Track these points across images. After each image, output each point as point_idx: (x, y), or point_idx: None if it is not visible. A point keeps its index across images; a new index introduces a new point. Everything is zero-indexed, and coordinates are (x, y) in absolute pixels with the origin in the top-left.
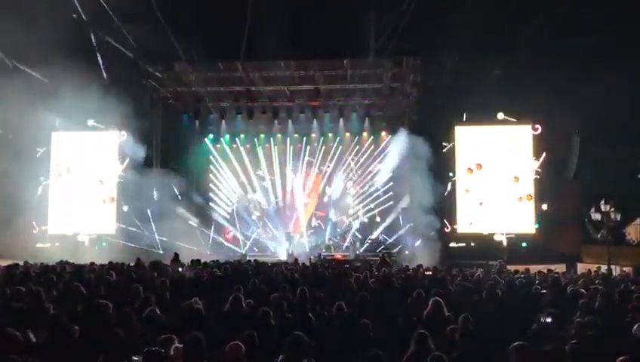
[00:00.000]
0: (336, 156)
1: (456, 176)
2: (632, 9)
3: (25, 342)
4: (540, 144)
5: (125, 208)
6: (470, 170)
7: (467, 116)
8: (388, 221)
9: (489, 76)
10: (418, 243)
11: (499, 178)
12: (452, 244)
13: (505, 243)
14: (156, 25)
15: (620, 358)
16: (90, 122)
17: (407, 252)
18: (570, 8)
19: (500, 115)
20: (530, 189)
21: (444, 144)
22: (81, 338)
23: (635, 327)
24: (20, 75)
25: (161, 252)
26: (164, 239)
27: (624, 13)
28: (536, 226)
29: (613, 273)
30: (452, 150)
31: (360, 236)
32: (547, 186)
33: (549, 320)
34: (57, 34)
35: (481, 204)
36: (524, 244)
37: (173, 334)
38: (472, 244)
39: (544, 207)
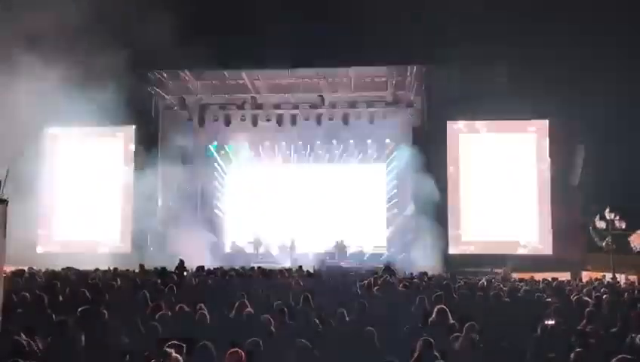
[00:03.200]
0: (341, 164)
1: (461, 183)
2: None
3: (31, 348)
4: (545, 152)
5: (130, 214)
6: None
7: (471, 123)
8: (392, 228)
9: (493, 84)
10: (422, 250)
11: (503, 186)
12: (456, 252)
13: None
14: (162, 32)
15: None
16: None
17: (411, 259)
18: (575, 15)
19: None
20: (535, 197)
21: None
22: (86, 345)
23: (631, 336)
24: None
25: (165, 258)
26: (168, 245)
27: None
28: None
29: (619, 281)
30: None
31: (364, 243)
32: (553, 194)
33: (551, 322)
34: (58, 39)
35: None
36: None
37: (178, 341)
38: (477, 252)
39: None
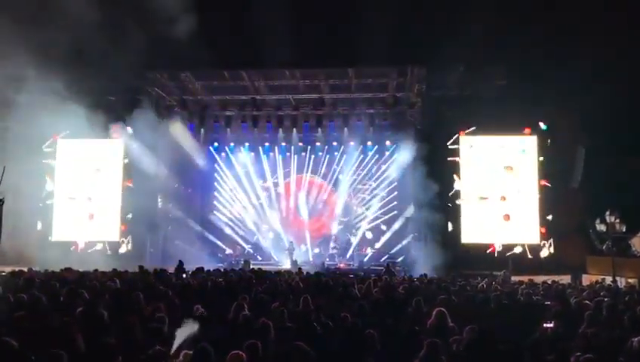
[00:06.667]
0: (341, 165)
1: (461, 185)
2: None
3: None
4: (546, 154)
5: (129, 216)
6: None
7: (471, 126)
8: (392, 230)
9: (493, 86)
10: (422, 252)
11: (504, 188)
12: (456, 254)
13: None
14: (162, 33)
15: None
16: (96, 130)
17: (411, 261)
18: (578, 17)
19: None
20: (536, 199)
21: (450, 146)
22: (84, 346)
23: (631, 340)
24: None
25: (164, 260)
26: (168, 247)
27: (634, 22)
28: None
29: (619, 284)
30: (457, 160)
31: (364, 245)
32: (553, 197)
33: (550, 325)
34: (62, 42)
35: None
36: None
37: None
38: (477, 254)
39: (549, 217)
